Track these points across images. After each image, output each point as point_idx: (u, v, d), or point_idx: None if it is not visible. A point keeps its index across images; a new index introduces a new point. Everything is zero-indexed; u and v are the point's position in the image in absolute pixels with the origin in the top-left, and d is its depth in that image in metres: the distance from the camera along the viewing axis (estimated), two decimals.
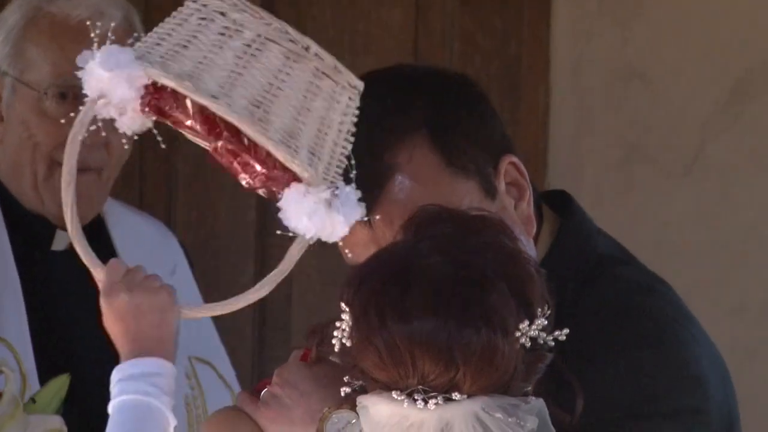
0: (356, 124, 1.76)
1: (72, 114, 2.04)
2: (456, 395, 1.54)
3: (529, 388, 1.59)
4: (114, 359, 2.17)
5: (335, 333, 1.57)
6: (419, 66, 1.93)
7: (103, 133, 1.89)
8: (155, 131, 1.86)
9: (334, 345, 1.58)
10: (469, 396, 1.55)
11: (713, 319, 3.99)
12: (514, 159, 1.79)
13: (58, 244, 2.44)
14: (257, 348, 3.38)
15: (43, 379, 2.24)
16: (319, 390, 1.69)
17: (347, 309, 1.57)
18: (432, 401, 1.54)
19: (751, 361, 3.72)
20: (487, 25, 3.52)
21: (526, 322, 1.56)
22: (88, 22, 2.14)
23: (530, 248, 1.77)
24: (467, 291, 1.55)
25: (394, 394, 1.55)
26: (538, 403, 1.57)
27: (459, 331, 1.52)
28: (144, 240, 2.50)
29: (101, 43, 1.97)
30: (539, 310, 1.58)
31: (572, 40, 3.49)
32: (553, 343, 1.60)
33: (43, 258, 2.42)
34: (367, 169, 1.73)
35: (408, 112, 1.78)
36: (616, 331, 1.75)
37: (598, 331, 1.73)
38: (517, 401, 1.57)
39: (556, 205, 1.90)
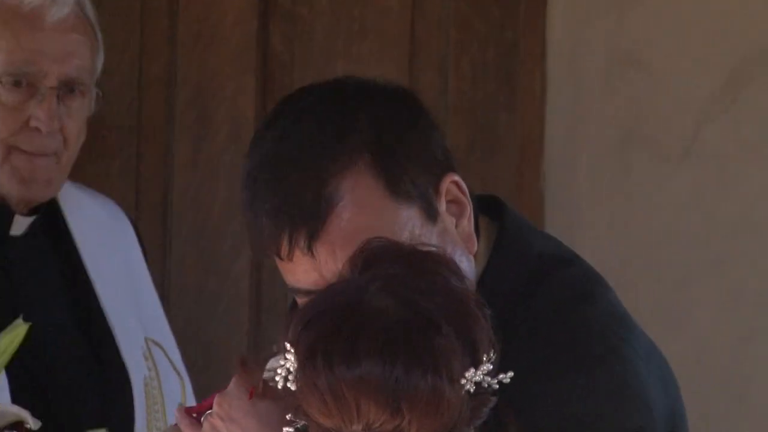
0: (297, 151, 1.71)
1: (27, 101, 2.12)
2: None
3: None
4: (74, 344, 2.35)
5: (279, 371, 1.54)
6: (357, 80, 1.82)
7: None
8: None
9: (276, 382, 1.54)
10: None
11: (707, 305, 4.00)
12: (456, 177, 1.76)
13: (16, 229, 2.41)
14: (253, 331, 3.40)
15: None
16: (261, 429, 1.65)
17: (292, 349, 1.53)
18: None
19: (745, 348, 3.73)
20: (484, 12, 3.51)
21: (472, 370, 1.54)
22: (40, 9, 2.19)
23: (470, 268, 1.74)
24: (416, 337, 1.52)
25: None
26: None
27: (406, 378, 1.50)
28: (100, 224, 2.49)
29: (55, 31, 2.00)
30: (485, 355, 1.55)
31: (568, 26, 3.49)
32: (497, 386, 1.58)
33: (1, 243, 2.39)
34: (309, 199, 1.69)
35: (350, 139, 1.72)
36: (558, 352, 1.72)
37: (539, 352, 1.71)
38: None
39: (491, 212, 1.85)
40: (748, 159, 3.47)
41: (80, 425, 2.21)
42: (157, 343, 2.46)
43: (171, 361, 2.47)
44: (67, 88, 2.29)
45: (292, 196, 1.69)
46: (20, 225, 2.39)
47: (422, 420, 1.51)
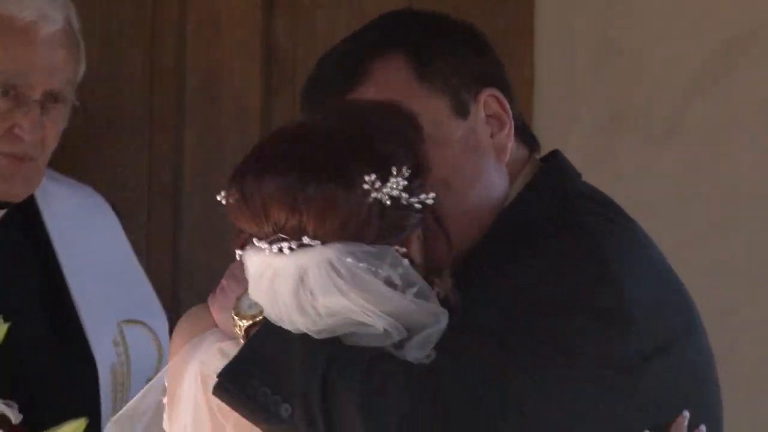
0: (346, 41, 1.96)
1: (13, 109, 2.23)
2: (306, 239, 1.64)
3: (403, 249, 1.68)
4: (41, 333, 2.38)
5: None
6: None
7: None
8: None
9: None
10: (323, 243, 1.64)
11: (693, 278, 4.09)
12: (496, 93, 1.91)
13: None
14: None
15: None
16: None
17: None
18: (286, 246, 1.65)
19: (730, 321, 3.78)
20: (478, 1, 3.56)
21: (376, 179, 1.66)
22: (34, 25, 2.27)
23: (499, 177, 1.88)
24: (315, 146, 1.67)
25: (259, 243, 1.67)
26: (385, 249, 1.66)
27: (302, 178, 1.64)
28: (74, 214, 2.53)
29: (45, 46, 2.14)
30: (396, 169, 1.66)
31: (557, 14, 3.52)
32: (419, 206, 1.68)
33: None
34: (343, 73, 1.88)
35: (391, 34, 1.93)
36: (550, 236, 1.81)
37: (522, 245, 1.80)
38: (369, 248, 1.66)
39: (546, 158, 2.01)
40: (732, 138, 3.52)
41: (45, 412, 2.18)
42: (137, 321, 2.48)
43: (152, 332, 2.50)
44: (51, 99, 2.37)
45: (332, 68, 1.92)
46: None
47: (318, 218, 1.64)
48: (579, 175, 2.00)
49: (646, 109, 3.43)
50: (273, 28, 3.49)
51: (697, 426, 1.84)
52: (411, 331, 1.66)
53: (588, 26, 3.53)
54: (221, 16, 3.45)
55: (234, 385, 1.69)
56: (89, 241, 2.55)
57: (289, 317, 1.68)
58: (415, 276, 1.69)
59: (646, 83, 3.43)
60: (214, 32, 3.46)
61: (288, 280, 1.67)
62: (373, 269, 1.66)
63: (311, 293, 1.66)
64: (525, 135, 1.99)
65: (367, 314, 1.65)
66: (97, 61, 2.95)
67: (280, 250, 1.67)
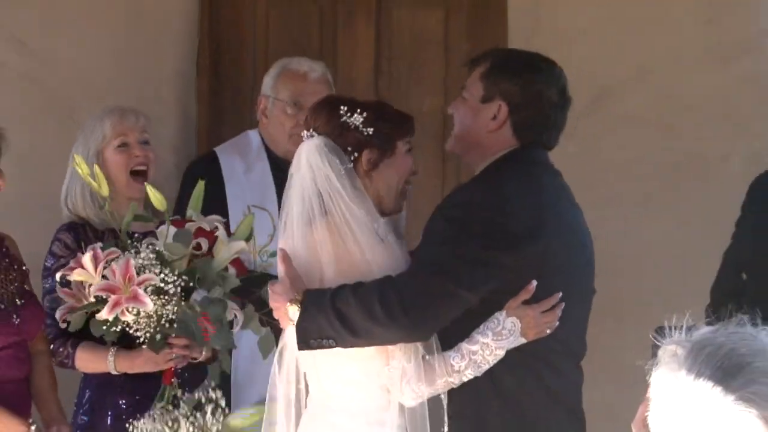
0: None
1: (297, 115, 4.07)
2: (313, 132, 3.07)
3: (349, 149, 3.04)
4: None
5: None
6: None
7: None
8: None
9: None
10: (318, 135, 3.06)
11: (662, 234, 4.55)
12: (505, 105, 3.17)
13: None
14: None
15: None
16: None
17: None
18: (307, 134, 3.08)
19: (695, 271, 4.30)
20: None
21: (349, 114, 3.06)
22: (308, 72, 4.21)
23: (489, 137, 3.18)
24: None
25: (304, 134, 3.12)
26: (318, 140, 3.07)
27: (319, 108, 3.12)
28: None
29: (313, 83, 4.14)
30: (357, 114, 3.04)
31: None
32: (368, 133, 3.04)
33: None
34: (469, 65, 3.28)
35: (484, 56, 3.23)
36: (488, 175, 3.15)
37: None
38: (334, 144, 3.05)
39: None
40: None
41: None
42: (262, 208, 4.19)
43: (272, 216, 4.14)
44: None
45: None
46: None
47: (320, 124, 3.11)
48: (527, 160, 3.18)
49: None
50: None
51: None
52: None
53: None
54: None
55: (302, 344, 3.02)
56: None
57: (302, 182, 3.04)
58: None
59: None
60: None
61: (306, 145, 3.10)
62: (335, 159, 3.05)
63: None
64: (518, 132, 3.17)
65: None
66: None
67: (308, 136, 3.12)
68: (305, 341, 2.99)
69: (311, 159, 3.03)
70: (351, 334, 2.95)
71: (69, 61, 4.56)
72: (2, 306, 3.66)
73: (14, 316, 3.63)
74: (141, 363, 3.56)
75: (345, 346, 2.98)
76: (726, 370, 1.80)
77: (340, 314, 2.94)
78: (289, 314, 3.00)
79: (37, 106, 4.55)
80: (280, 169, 3.97)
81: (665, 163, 4.76)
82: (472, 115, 3.19)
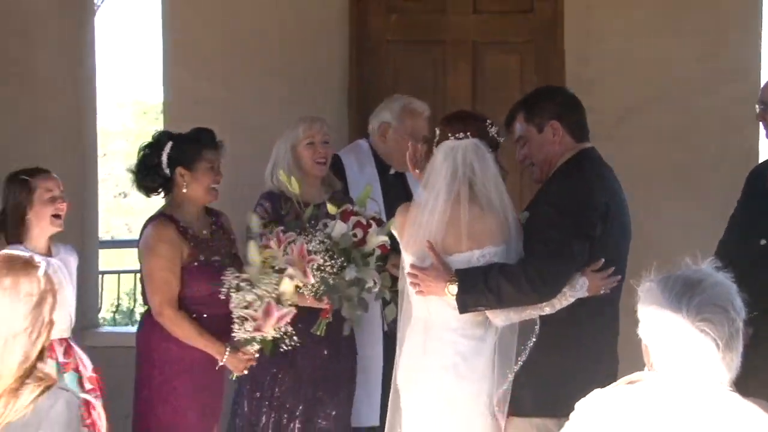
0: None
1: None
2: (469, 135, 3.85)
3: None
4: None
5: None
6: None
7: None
8: None
9: None
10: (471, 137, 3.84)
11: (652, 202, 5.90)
12: (557, 123, 3.96)
13: None
14: None
15: None
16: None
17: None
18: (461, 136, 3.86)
19: (686, 236, 4.98)
20: None
21: (489, 125, 3.88)
22: (425, 113, 5.10)
23: (557, 148, 3.96)
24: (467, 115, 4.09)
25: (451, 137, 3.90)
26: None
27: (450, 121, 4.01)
28: None
29: (424, 120, 5.15)
30: (489, 124, 3.87)
31: None
32: (498, 139, 3.88)
33: None
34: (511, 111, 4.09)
35: (513, 111, 4.03)
36: (567, 175, 3.90)
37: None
38: (482, 143, 3.82)
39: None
40: None
41: None
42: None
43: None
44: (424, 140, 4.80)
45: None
46: None
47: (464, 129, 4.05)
48: (592, 158, 3.97)
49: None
50: None
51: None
52: None
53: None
54: None
55: (462, 309, 3.68)
56: None
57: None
58: None
59: None
60: None
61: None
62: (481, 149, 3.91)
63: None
64: (575, 134, 3.94)
65: None
66: None
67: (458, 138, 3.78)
68: (464, 307, 3.74)
69: (468, 154, 3.75)
70: (498, 302, 3.70)
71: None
72: (219, 260, 4.57)
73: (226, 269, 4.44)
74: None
75: (492, 308, 3.72)
76: (686, 285, 2.36)
77: (491, 288, 3.67)
78: (449, 290, 3.73)
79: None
80: (381, 171, 5.15)
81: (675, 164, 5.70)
82: (539, 145, 3.93)
